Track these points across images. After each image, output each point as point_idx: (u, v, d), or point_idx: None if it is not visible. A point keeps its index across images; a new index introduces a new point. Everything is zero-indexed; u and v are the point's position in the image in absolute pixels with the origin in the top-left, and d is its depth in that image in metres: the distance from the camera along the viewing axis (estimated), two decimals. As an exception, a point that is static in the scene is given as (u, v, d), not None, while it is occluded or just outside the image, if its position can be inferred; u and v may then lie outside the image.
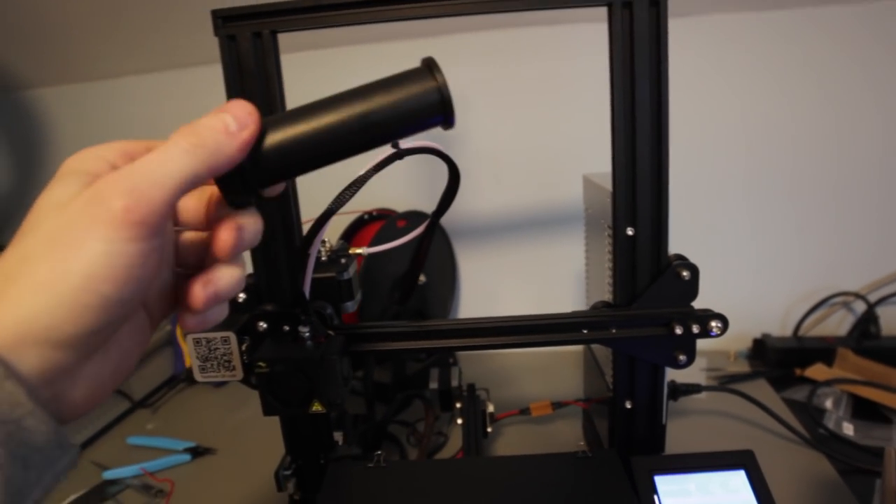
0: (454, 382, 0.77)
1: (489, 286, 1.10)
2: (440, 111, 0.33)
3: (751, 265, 1.04)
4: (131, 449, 0.87)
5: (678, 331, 0.54)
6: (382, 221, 0.95)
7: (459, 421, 0.76)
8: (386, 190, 1.03)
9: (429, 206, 1.03)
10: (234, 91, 0.52)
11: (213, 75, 1.11)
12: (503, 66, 1.01)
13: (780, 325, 1.05)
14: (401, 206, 1.02)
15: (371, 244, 0.85)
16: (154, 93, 1.17)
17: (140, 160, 0.29)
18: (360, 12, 0.51)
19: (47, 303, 0.26)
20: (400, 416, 0.85)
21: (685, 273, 0.55)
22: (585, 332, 0.55)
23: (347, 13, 0.51)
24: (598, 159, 0.89)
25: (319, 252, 0.59)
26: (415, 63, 0.34)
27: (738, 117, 0.98)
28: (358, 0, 0.50)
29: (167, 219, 0.29)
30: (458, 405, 0.76)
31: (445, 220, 0.89)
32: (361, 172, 0.45)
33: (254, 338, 0.53)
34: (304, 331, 0.51)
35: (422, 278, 0.89)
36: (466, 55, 1.01)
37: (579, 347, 1.03)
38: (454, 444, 0.80)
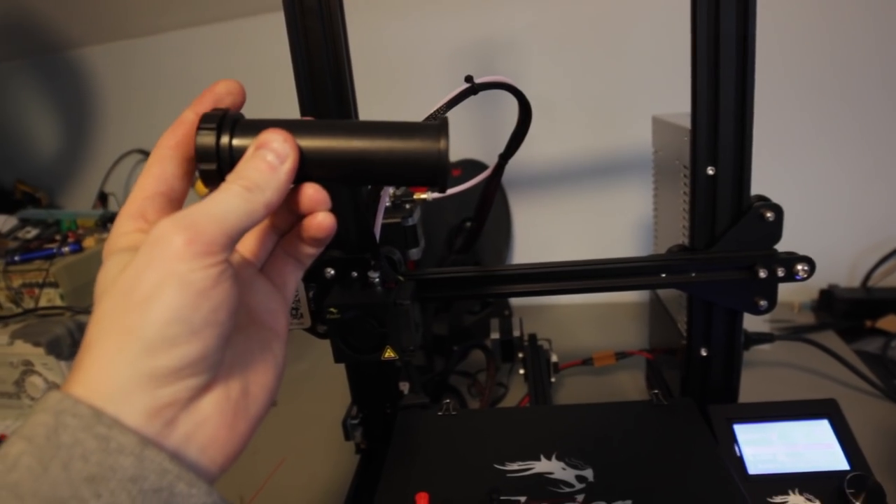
0: (515, 332, 0.76)
1: (543, 236, 1.08)
2: (434, 174, 0.32)
3: (817, 212, 0.99)
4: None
5: (762, 274, 0.52)
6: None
7: (521, 371, 0.75)
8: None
9: (478, 155, 1.01)
10: (295, 31, 0.50)
11: (253, 27, 1.10)
12: (557, 8, 0.97)
13: (847, 276, 1.01)
14: (451, 155, 1.00)
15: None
16: (196, 47, 1.15)
17: (195, 205, 0.29)
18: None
19: (135, 348, 0.26)
20: (459, 367, 0.84)
21: (769, 214, 0.52)
22: (664, 275, 0.53)
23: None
24: (657, 101, 0.86)
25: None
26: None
27: (819, 50, 0.92)
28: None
29: (229, 250, 0.29)
30: (521, 355, 0.75)
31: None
32: (434, 109, 0.43)
33: (320, 285, 0.52)
34: (374, 276, 0.49)
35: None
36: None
37: (640, 297, 1.01)
38: (514, 394, 0.79)
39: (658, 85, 0.96)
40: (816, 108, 0.95)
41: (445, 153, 0.32)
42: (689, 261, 0.53)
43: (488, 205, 0.57)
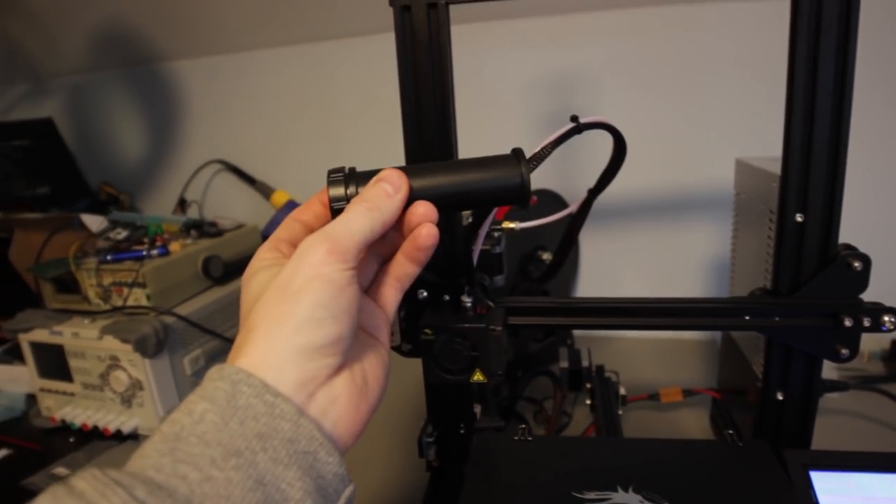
0: (584, 362, 0.77)
1: (609, 269, 1.09)
2: (518, 195, 0.40)
3: (890, 259, 0.98)
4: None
5: (847, 323, 0.52)
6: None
7: (588, 402, 0.76)
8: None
9: (553, 185, 1.03)
10: (406, 61, 0.53)
11: (342, 49, 1.14)
12: (639, 45, 0.98)
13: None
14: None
15: (505, 217, 0.86)
16: (285, 66, 1.21)
17: (331, 223, 0.37)
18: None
19: (290, 327, 0.33)
20: (525, 393, 0.86)
21: (857, 264, 0.52)
22: (748, 318, 0.54)
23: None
24: (732, 143, 0.87)
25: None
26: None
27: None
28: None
29: (359, 259, 0.36)
30: (588, 386, 0.76)
31: (570, 200, 0.88)
32: (539, 147, 0.45)
33: (412, 306, 0.55)
34: (467, 301, 0.52)
35: (547, 257, 0.89)
36: (602, 34, 1.00)
37: (707, 335, 1.01)
38: (578, 423, 0.80)
39: (736, 127, 0.97)
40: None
41: (527, 176, 0.40)
42: (774, 305, 0.54)
43: (573, 239, 0.59)
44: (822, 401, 0.78)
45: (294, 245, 0.38)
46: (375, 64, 1.09)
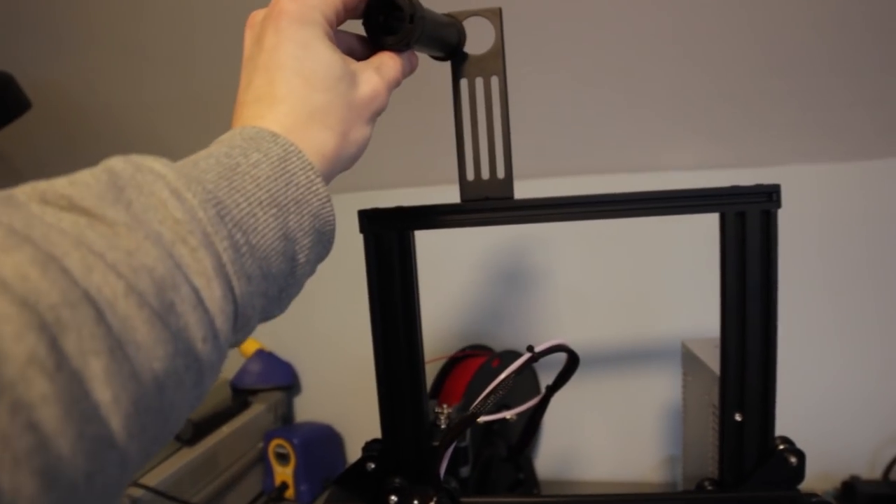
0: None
1: (571, 417, 1.12)
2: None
3: (838, 401, 1.04)
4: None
5: (788, 517, 0.56)
6: (475, 359, 0.99)
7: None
8: (475, 325, 1.09)
9: (514, 345, 1.07)
10: (374, 282, 0.58)
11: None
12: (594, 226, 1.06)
13: (868, 467, 1.04)
14: (488, 340, 1.07)
15: (470, 386, 0.90)
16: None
17: None
18: (484, 217, 0.56)
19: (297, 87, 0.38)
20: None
21: (793, 459, 0.57)
22: (698, 514, 0.58)
23: (476, 217, 0.56)
24: (689, 306, 0.93)
25: (439, 419, 0.64)
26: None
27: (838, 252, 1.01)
28: (482, 209, 0.56)
29: (331, 24, 0.41)
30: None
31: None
32: (501, 377, 0.50)
33: (383, 511, 0.57)
34: (434, 510, 0.54)
35: (511, 416, 0.92)
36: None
37: None
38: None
39: (683, 294, 1.04)
40: (833, 307, 1.02)
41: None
42: (720, 500, 0.58)
43: (534, 430, 0.63)
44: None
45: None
46: (346, 218, 1.15)
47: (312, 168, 0.37)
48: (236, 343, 0.35)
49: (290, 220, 0.35)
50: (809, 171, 1.00)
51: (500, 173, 0.54)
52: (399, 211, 0.57)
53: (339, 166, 0.41)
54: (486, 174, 0.54)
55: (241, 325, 0.33)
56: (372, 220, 0.58)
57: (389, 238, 0.57)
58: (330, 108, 0.39)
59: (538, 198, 0.54)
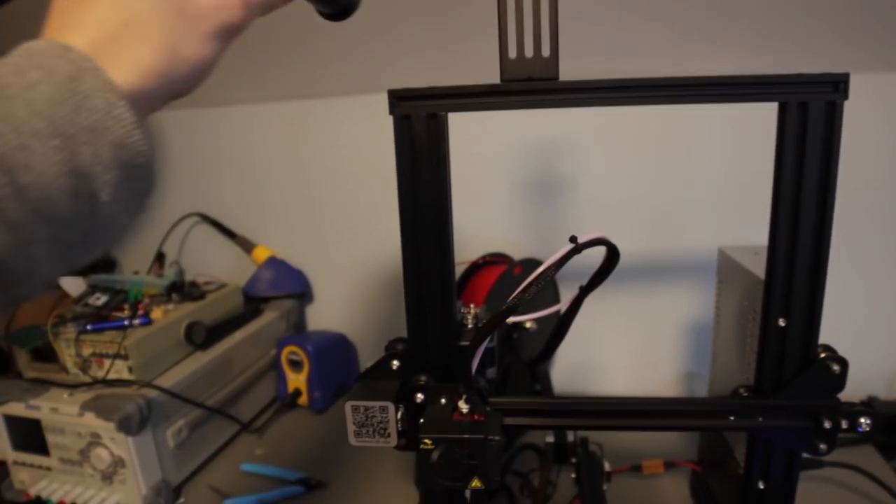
0: (569, 437, 0.78)
1: (589, 329, 1.10)
2: None
3: (855, 322, 1.02)
4: (244, 476, 0.92)
5: (826, 425, 0.54)
6: (495, 267, 0.97)
7: (573, 475, 0.77)
8: (495, 232, 1.05)
9: (537, 253, 1.04)
10: (405, 169, 0.54)
11: (325, 107, 1.15)
12: (622, 116, 1.01)
13: (886, 387, 1.03)
14: (507, 248, 1.04)
15: (491, 293, 0.88)
16: (256, 122, 1.21)
17: None
18: (526, 99, 0.52)
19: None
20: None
21: (835, 367, 0.55)
22: (732, 419, 0.56)
23: (517, 99, 0.52)
24: (718, 214, 0.89)
25: (466, 319, 0.62)
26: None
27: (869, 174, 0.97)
28: (525, 89, 0.51)
29: None
30: (573, 460, 0.77)
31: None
32: (540, 269, 0.47)
33: (409, 407, 0.56)
34: (465, 407, 0.53)
35: (532, 325, 0.91)
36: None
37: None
38: (562, 494, 0.82)
39: (710, 199, 1.00)
40: (858, 224, 0.99)
41: None
42: (758, 406, 0.56)
43: (564, 332, 0.61)
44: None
45: None
46: (358, 123, 1.10)
47: (112, 89, 0.30)
48: (14, 300, 0.30)
49: (80, 152, 0.29)
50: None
51: (546, 51, 0.49)
52: (432, 90, 0.52)
53: (166, 89, 0.34)
54: (529, 52, 0.50)
55: (12, 280, 0.28)
56: (403, 100, 0.53)
57: (420, 120, 0.53)
58: (151, 17, 0.32)
59: (586, 79, 0.50)
